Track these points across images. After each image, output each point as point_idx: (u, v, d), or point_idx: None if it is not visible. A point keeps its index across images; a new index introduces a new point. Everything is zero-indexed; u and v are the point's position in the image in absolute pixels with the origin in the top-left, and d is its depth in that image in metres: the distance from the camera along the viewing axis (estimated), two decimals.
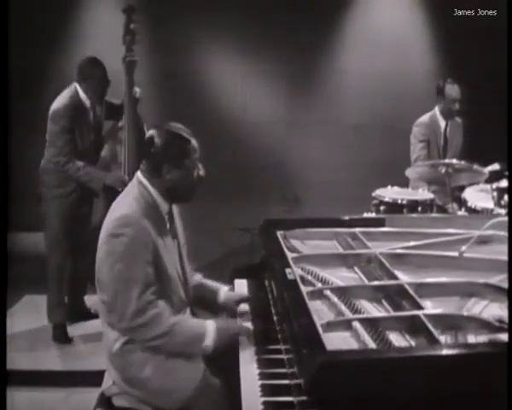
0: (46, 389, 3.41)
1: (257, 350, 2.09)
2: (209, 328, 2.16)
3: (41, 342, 3.86)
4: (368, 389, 1.48)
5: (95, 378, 2.52)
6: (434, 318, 1.78)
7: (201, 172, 2.26)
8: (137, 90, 4.11)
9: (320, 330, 1.68)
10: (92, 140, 3.97)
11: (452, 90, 4.44)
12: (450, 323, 1.82)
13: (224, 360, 2.19)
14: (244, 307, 2.48)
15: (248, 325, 2.30)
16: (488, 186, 3.76)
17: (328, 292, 2.05)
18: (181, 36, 5.80)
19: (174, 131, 2.20)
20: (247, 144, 6.09)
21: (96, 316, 3.37)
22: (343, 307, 1.95)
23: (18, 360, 3.44)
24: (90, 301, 4.17)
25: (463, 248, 2.29)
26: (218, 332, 2.15)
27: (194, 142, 2.21)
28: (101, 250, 2.13)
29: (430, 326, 1.71)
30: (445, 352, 1.59)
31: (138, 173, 2.23)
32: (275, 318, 2.27)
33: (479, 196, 3.85)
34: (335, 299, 2.00)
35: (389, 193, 3.94)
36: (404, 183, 4.27)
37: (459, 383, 1.51)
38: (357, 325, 1.79)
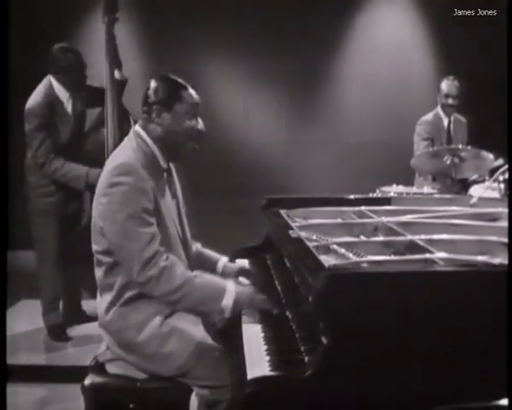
0: (41, 385, 3.32)
1: (261, 320, 1.99)
2: (229, 287, 2.01)
3: (36, 342, 3.76)
4: (369, 303, 1.45)
5: None
6: (449, 262, 1.69)
7: (199, 126, 2.12)
8: (123, 73, 3.78)
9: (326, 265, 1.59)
10: (73, 132, 3.68)
11: (446, 85, 4.44)
12: None
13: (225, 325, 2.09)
14: (243, 280, 2.35)
15: None
16: (495, 185, 3.69)
17: (335, 246, 1.96)
18: (181, 53, 5.80)
19: (170, 76, 2.14)
20: (248, 165, 6.04)
21: (93, 319, 3.16)
22: (351, 255, 1.86)
23: (14, 358, 3.34)
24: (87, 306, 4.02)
25: (474, 199, 2.21)
26: (239, 295, 2.00)
27: (190, 91, 2.12)
28: (99, 204, 2.01)
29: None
30: (446, 268, 1.60)
31: (136, 126, 2.15)
32: (279, 288, 2.19)
33: (485, 192, 3.77)
34: (343, 250, 1.91)
35: (394, 189, 3.90)
36: None
37: (459, 299, 1.49)
38: (366, 265, 1.70)
